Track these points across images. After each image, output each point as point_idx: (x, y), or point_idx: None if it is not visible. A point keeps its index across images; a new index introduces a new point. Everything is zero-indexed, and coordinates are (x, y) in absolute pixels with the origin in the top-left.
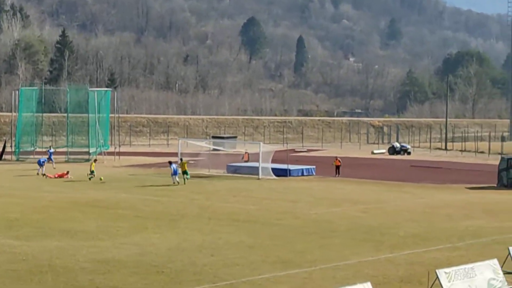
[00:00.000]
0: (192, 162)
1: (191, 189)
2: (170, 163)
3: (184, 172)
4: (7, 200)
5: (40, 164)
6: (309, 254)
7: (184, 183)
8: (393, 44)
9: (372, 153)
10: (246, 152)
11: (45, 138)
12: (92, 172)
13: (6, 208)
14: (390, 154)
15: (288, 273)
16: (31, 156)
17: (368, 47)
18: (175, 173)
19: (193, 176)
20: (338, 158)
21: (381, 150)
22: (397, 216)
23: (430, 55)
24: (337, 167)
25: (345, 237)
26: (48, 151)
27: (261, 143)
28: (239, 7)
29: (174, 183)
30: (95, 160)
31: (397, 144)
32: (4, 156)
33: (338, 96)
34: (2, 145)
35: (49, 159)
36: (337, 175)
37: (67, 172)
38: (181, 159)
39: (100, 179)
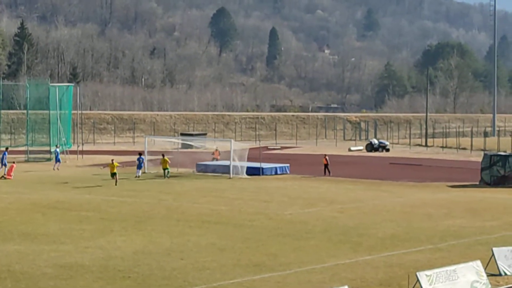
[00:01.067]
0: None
1: (159, 189)
2: (140, 154)
3: (165, 169)
4: None
5: (4, 164)
6: (283, 257)
7: (164, 178)
8: (370, 36)
9: (349, 150)
10: (216, 150)
11: (3, 136)
12: (113, 174)
13: None
14: (368, 151)
15: (261, 277)
16: None
17: (344, 39)
18: (139, 166)
19: (160, 176)
20: (326, 157)
21: (359, 147)
22: (375, 216)
23: (409, 47)
24: (325, 166)
25: (321, 238)
26: (55, 150)
27: (232, 140)
28: None
29: (136, 176)
30: (112, 161)
31: (375, 141)
32: None
33: (313, 90)
34: None
35: (56, 159)
36: (328, 175)
37: (13, 163)
38: (162, 155)
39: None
